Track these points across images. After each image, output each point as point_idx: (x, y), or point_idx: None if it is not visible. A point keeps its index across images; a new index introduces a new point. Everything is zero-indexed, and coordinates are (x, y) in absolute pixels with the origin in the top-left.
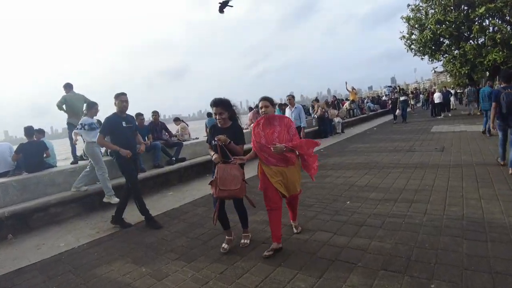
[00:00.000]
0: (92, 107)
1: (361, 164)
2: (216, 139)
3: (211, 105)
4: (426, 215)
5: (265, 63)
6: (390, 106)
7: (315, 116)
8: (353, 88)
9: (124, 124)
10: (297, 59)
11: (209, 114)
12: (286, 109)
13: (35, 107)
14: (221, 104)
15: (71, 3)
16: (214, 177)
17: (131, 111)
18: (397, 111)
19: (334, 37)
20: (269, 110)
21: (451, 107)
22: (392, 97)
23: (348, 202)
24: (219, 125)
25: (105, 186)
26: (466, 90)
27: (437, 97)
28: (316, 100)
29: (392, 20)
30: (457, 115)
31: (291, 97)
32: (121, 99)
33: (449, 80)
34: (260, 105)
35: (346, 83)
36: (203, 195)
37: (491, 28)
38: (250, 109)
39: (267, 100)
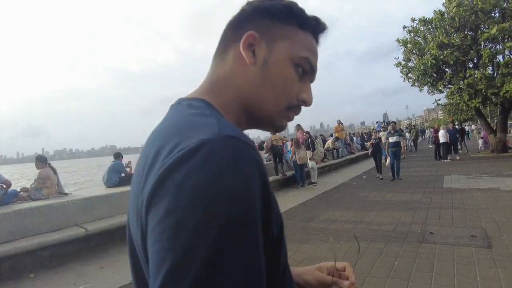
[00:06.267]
0: None
1: None
2: None
3: None
4: None
5: None
6: (371, 151)
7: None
8: (340, 123)
9: None
10: None
11: (117, 155)
12: None
13: (28, 128)
14: None
15: (67, 22)
16: None
17: (128, 138)
18: (387, 160)
19: (331, 72)
20: None
21: (459, 148)
22: (375, 137)
23: None
24: None
25: None
26: None
27: (441, 136)
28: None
29: (388, 58)
30: (467, 158)
31: None
32: None
33: (440, 117)
34: None
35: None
36: None
37: (505, 53)
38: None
39: None
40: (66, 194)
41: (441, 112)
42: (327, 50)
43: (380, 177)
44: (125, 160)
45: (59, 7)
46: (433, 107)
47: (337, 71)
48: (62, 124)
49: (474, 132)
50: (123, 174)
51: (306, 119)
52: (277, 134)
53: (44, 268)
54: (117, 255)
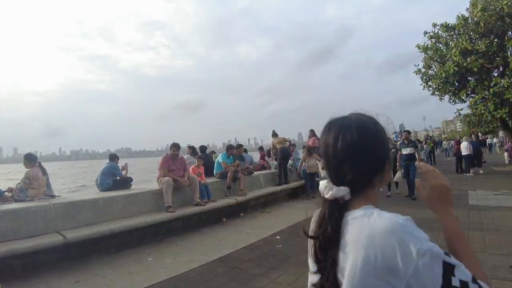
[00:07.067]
0: None
1: None
2: None
3: None
4: None
5: (279, 103)
6: None
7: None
8: None
9: None
10: (311, 101)
11: (112, 157)
12: None
13: (47, 128)
14: None
15: (87, 33)
16: None
17: (143, 141)
18: (397, 174)
19: (349, 82)
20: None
21: (483, 161)
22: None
23: None
24: None
25: None
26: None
27: (464, 148)
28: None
29: (406, 68)
30: (490, 172)
31: None
32: None
33: (459, 130)
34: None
35: None
36: None
37: None
38: (261, 149)
39: None
40: (53, 197)
41: (459, 124)
42: (345, 59)
43: (388, 194)
44: (121, 162)
45: (80, 12)
46: (451, 118)
47: (355, 80)
48: (80, 126)
49: (497, 145)
50: (118, 177)
51: (320, 127)
52: (278, 136)
53: (15, 279)
54: (98, 268)
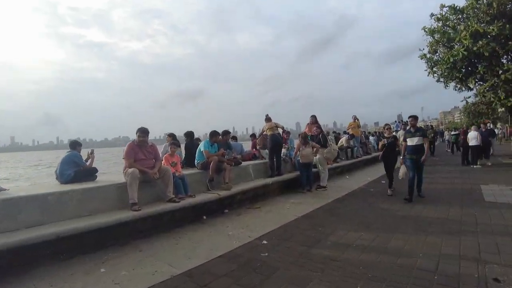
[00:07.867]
0: None
1: None
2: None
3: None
4: None
5: (277, 93)
6: (381, 155)
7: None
8: (355, 118)
9: None
10: (309, 91)
11: (73, 145)
12: None
13: (44, 117)
14: None
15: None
16: None
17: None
18: (401, 169)
19: (348, 72)
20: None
21: (491, 152)
22: (388, 136)
23: None
24: None
25: None
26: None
27: (472, 138)
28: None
29: (406, 59)
30: (498, 164)
31: None
32: None
33: (457, 121)
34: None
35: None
36: None
37: None
38: (253, 136)
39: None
40: None
41: (458, 115)
42: (345, 49)
43: (389, 193)
44: (83, 151)
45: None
46: (450, 110)
47: (354, 71)
48: (77, 114)
49: (500, 135)
50: (81, 168)
51: (320, 116)
52: (272, 121)
53: None
54: (35, 281)
